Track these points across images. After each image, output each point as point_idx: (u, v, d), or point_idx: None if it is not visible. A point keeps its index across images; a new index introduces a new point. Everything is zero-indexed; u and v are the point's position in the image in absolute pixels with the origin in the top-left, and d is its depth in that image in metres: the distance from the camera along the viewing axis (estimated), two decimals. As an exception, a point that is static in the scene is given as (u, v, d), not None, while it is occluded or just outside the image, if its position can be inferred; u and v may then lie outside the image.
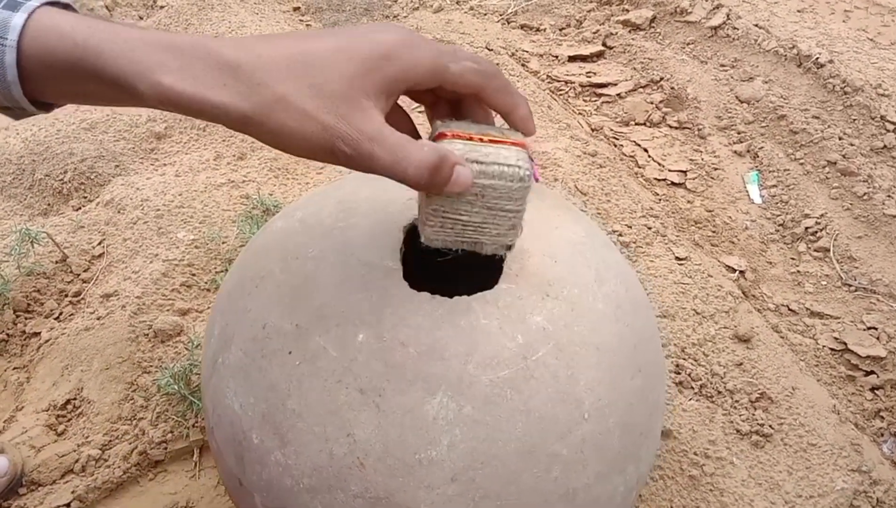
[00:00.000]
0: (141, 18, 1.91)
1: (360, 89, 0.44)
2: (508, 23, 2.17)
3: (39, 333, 1.14)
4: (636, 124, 1.77)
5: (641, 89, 1.87)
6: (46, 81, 0.44)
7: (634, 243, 1.39)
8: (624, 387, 0.62)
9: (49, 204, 1.39)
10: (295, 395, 0.57)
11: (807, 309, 1.36)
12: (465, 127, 0.51)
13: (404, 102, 0.52)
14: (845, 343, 1.28)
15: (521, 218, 0.53)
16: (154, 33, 0.43)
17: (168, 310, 1.14)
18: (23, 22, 0.42)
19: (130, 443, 0.99)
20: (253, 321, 0.62)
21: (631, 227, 1.42)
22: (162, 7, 1.91)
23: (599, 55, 2.00)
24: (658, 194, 1.58)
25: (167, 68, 0.41)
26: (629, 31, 2.08)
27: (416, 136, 0.52)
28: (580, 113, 1.80)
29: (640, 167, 1.65)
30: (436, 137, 0.51)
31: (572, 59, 1.97)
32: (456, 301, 0.58)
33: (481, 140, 0.50)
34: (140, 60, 0.41)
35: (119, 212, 1.30)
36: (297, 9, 2.13)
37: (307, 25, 2.05)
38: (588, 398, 0.58)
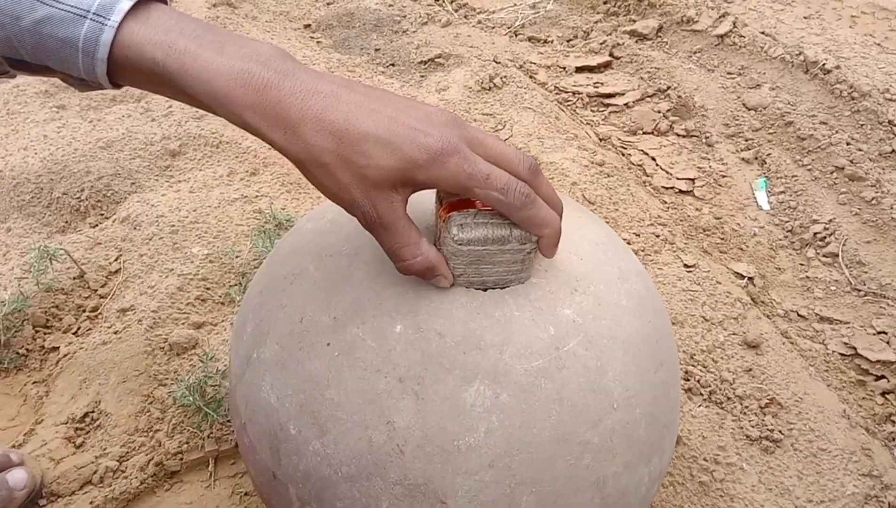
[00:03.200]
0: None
1: (391, 184, 0.50)
2: (516, 35, 2.19)
3: (58, 347, 1.17)
4: (644, 133, 1.79)
5: (649, 98, 1.88)
6: (129, 73, 0.48)
7: (643, 250, 1.40)
8: (649, 380, 0.64)
9: (67, 222, 1.42)
10: (334, 385, 0.58)
11: (816, 315, 1.36)
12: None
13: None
14: (855, 348, 1.28)
15: (528, 265, 0.60)
16: (232, 61, 0.48)
17: (183, 324, 1.16)
18: (128, 8, 0.46)
19: (147, 454, 1.01)
20: (289, 315, 0.63)
21: (639, 235, 1.43)
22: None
23: (606, 66, 2.02)
24: (666, 203, 1.59)
25: (243, 106, 0.47)
26: (636, 41, 2.09)
27: None
28: (588, 123, 1.82)
29: (647, 176, 1.66)
30: (443, 206, 0.57)
31: (580, 69, 1.99)
32: (490, 294, 0.60)
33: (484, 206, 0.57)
34: (219, 94, 0.47)
35: (135, 228, 1.33)
36: (307, 26, 2.16)
37: (318, 42, 2.08)
38: (616, 389, 0.60)
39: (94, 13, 0.45)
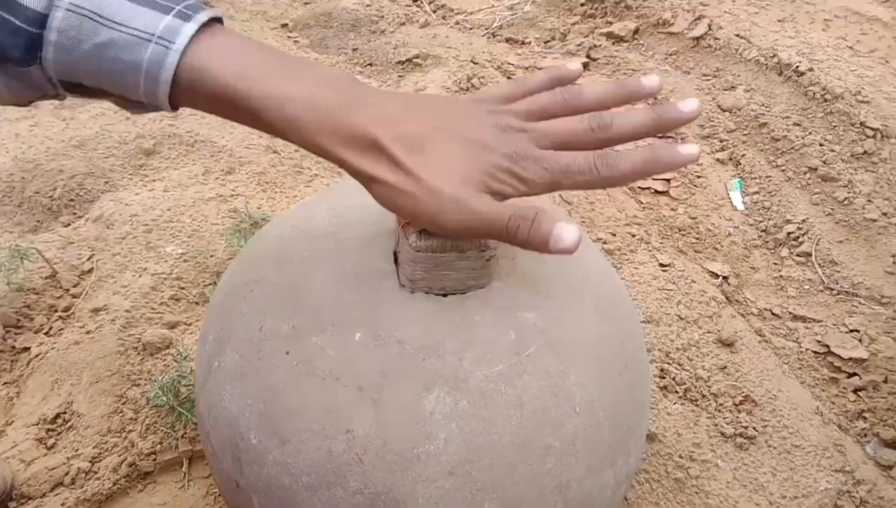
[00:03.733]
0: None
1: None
2: (494, 36, 2.19)
3: (29, 348, 1.15)
4: (620, 134, 1.80)
5: (625, 100, 1.89)
6: (192, 97, 0.48)
7: (619, 250, 1.41)
8: (612, 383, 0.63)
9: (39, 221, 1.40)
10: (293, 394, 0.58)
11: (790, 313, 1.38)
12: None
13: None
14: (828, 346, 1.30)
15: (488, 271, 0.59)
16: (303, 86, 0.48)
17: (157, 323, 1.15)
18: (193, 32, 0.46)
19: (120, 455, 1.00)
20: (249, 323, 0.63)
21: (615, 235, 1.43)
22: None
23: (584, 67, 2.03)
24: (642, 203, 1.60)
25: (315, 130, 0.48)
26: (613, 43, 2.11)
27: None
28: (565, 124, 1.83)
29: (624, 176, 1.67)
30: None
31: (557, 71, 2.00)
32: (449, 300, 0.60)
33: None
34: (291, 120, 0.48)
35: (108, 227, 1.32)
36: (284, 25, 2.15)
37: (295, 42, 2.07)
38: (579, 393, 0.60)
39: (158, 36, 0.45)
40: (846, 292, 1.41)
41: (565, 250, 0.47)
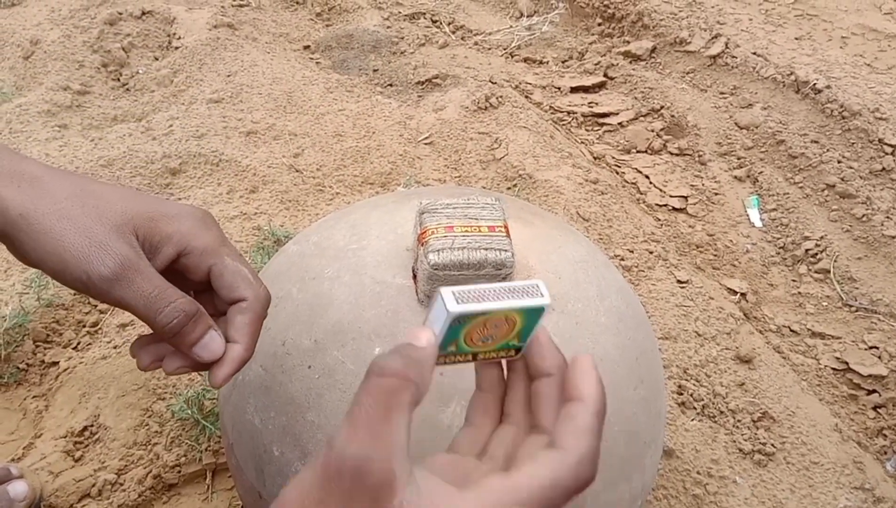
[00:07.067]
0: (156, 59, 1.98)
1: None
2: (512, 56, 2.22)
3: (58, 362, 1.18)
4: (637, 152, 1.81)
5: (642, 118, 1.91)
6: None
7: (636, 267, 1.42)
8: (627, 397, 0.65)
9: (68, 239, 1.44)
10: (315, 407, 0.59)
11: (808, 330, 1.38)
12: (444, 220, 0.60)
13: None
14: (847, 363, 1.30)
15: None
16: None
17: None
18: None
19: (145, 468, 1.02)
20: (272, 338, 0.65)
21: (633, 251, 1.44)
22: (177, 48, 1.98)
23: (601, 86, 2.05)
24: (659, 220, 1.61)
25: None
26: (630, 62, 2.12)
27: None
28: (582, 142, 1.84)
29: (641, 194, 1.68)
30: (422, 229, 0.59)
31: (574, 90, 2.02)
32: None
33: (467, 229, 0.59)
34: None
35: (135, 245, 1.35)
36: (307, 47, 2.19)
37: (317, 63, 2.11)
38: None
39: None
40: (865, 308, 1.41)
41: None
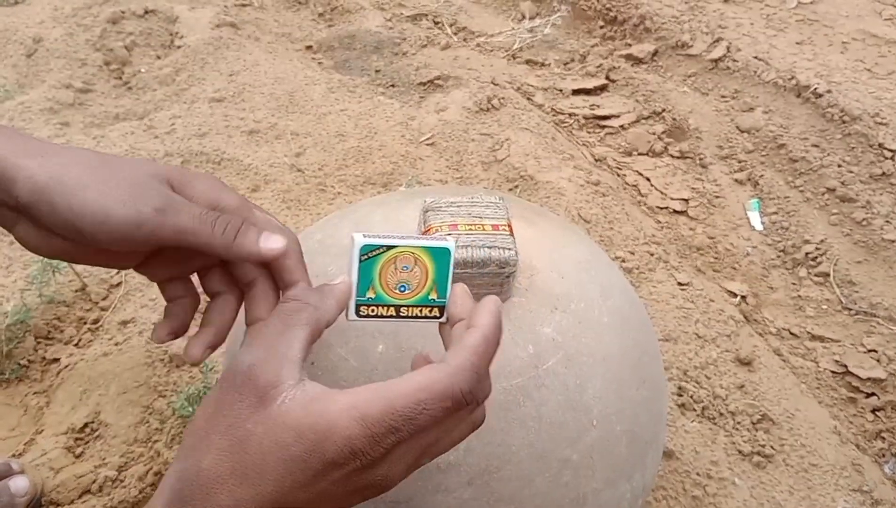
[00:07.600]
0: (159, 58, 1.98)
1: None
2: (514, 58, 2.22)
3: (59, 359, 1.18)
4: (639, 154, 1.82)
5: (644, 121, 1.91)
6: None
7: (637, 268, 1.42)
8: (630, 397, 0.65)
9: (69, 236, 1.44)
10: None
11: (808, 333, 1.38)
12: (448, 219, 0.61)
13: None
14: (846, 366, 1.30)
15: (508, 287, 0.61)
16: None
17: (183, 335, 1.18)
18: None
19: (146, 464, 1.02)
20: None
21: (634, 253, 1.45)
22: (179, 47, 1.98)
23: (603, 88, 2.05)
24: (660, 222, 1.61)
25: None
26: (632, 65, 2.13)
27: None
28: (584, 144, 1.85)
29: (642, 196, 1.68)
30: (426, 228, 0.60)
31: (576, 92, 2.03)
32: None
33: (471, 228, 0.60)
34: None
35: (136, 243, 1.35)
36: (309, 47, 2.20)
37: (319, 63, 2.12)
38: (596, 407, 0.61)
39: None
40: (864, 312, 1.41)
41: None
